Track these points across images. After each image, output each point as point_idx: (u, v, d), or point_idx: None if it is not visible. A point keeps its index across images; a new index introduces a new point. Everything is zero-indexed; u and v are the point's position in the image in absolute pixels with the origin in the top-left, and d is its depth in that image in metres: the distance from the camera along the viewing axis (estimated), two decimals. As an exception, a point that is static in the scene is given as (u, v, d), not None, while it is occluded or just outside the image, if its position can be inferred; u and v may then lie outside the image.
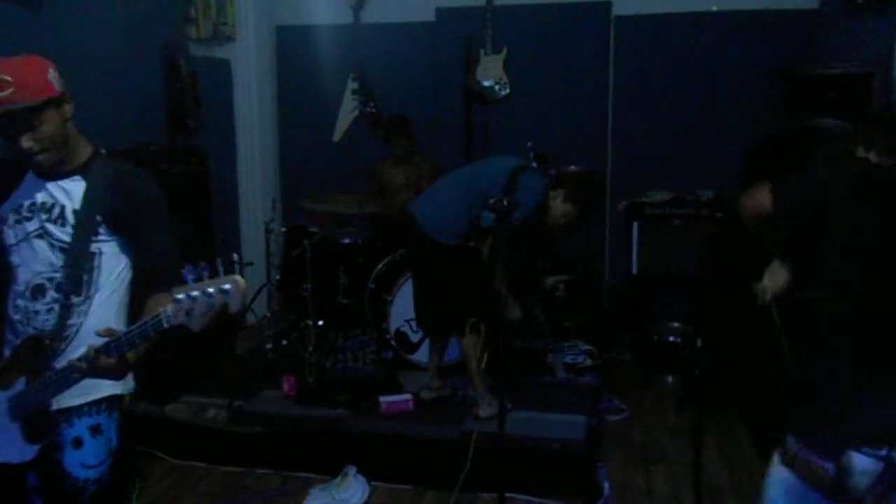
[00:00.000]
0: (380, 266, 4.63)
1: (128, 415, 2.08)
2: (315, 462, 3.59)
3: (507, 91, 5.35)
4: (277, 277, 4.91)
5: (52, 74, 1.91)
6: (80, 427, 1.97)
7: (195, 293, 1.62)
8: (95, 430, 1.99)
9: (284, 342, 4.73)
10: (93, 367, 1.76)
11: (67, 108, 1.94)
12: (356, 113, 5.70)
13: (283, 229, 5.01)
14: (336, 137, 5.78)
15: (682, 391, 4.38)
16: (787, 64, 4.35)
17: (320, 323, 4.45)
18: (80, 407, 1.97)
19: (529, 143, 4.71)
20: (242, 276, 1.69)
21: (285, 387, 4.06)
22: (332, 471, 3.47)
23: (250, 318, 5.11)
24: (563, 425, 3.64)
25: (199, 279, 1.65)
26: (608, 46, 5.33)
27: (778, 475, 1.95)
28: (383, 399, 3.87)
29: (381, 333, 4.36)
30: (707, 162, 4.89)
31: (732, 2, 5.02)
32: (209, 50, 5.32)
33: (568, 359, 4.43)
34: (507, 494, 2.97)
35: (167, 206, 2.05)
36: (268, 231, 4.72)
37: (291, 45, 5.82)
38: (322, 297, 4.57)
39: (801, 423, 1.91)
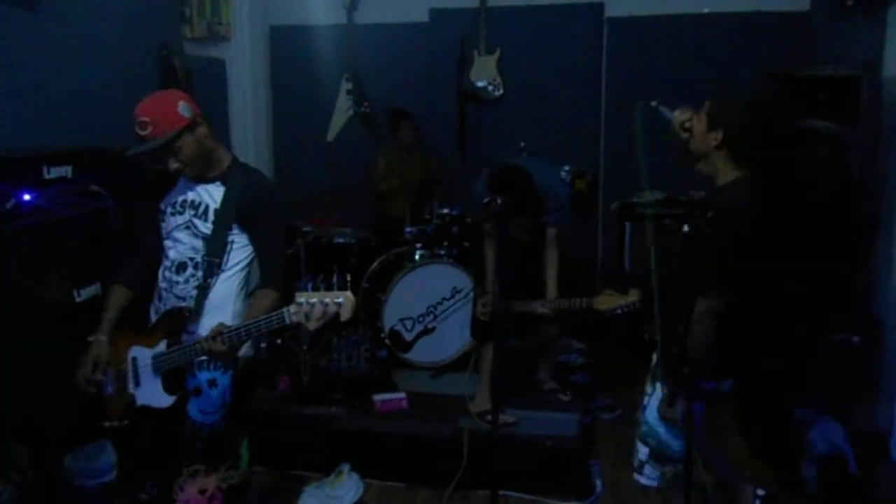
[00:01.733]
0: (374, 265, 4.65)
1: (244, 377, 2.52)
2: (309, 460, 3.61)
3: (501, 91, 5.38)
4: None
5: (182, 105, 2.32)
6: (201, 378, 2.41)
7: (314, 300, 2.06)
8: (212, 383, 2.41)
9: (279, 341, 4.73)
10: (210, 347, 2.26)
11: (201, 130, 2.36)
12: (350, 113, 5.72)
13: (278, 228, 5.01)
14: (330, 137, 5.80)
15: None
16: (778, 66, 4.39)
17: (314, 322, 4.46)
18: (202, 362, 2.40)
19: (522, 144, 4.74)
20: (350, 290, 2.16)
21: (280, 385, 4.08)
22: (326, 468, 3.49)
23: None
24: (556, 423, 3.67)
25: (316, 288, 2.11)
26: (601, 47, 5.37)
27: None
28: (377, 397, 3.90)
29: (375, 332, 4.38)
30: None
31: (724, 4, 5.06)
32: (204, 49, 5.32)
33: (560, 358, 4.45)
34: (501, 492, 3.00)
35: (281, 211, 2.58)
36: (262, 230, 4.73)
37: (285, 44, 5.83)
38: (316, 296, 4.58)
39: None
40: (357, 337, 4.19)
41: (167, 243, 2.50)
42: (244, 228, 2.44)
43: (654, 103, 2.70)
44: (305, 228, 4.73)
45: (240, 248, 2.46)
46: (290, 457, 3.64)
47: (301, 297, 2.07)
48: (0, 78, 3.31)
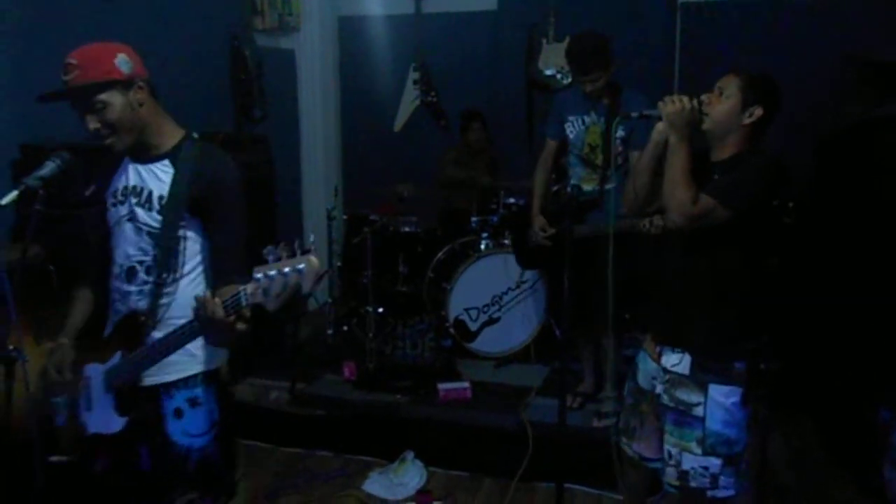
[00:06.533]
0: (439, 255, 4.66)
1: (226, 387, 2.13)
2: (374, 446, 3.64)
3: (570, 80, 5.28)
4: (338, 264, 4.98)
5: (121, 59, 1.91)
6: (179, 399, 2.03)
7: (272, 272, 1.66)
8: (193, 402, 2.04)
9: (345, 328, 4.80)
10: (212, 313, 1.76)
11: (139, 95, 1.93)
12: (417, 102, 5.72)
13: (345, 217, 5.07)
14: (397, 127, 5.82)
15: (748, 385, 4.27)
16: (862, 49, 4.18)
17: (380, 310, 4.50)
18: (177, 382, 2.02)
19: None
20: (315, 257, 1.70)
21: (346, 372, 4.13)
22: (390, 455, 3.52)
23: (312, 305, 5.20)
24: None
25: (277, 259, 1.67)
26: (674, 34, 5.21)
27: None
28: (441, 386, 3.90)
29: (440, 321, 4.39)
30: (778, 151, 4.73)
31: (804, -14, 4.85)
32: (274, 41, 5.41)
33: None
34: (566, 485, 2.95)
35: (245, 198, 2.03)
36: (330, 218, 4.79)
37: (353, 35, 5.88)
38: (382, 285, 4.62)
39: None
40: (422, 326, 4.20)
41: (112, 242, 2.07)
42: (194, 216, 1.99)
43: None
44: (372, 217, 4.77)
45: (194, 241, 2.02)
46: (355, 442, 3.68)
47: (258, 272, 1.68)
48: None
